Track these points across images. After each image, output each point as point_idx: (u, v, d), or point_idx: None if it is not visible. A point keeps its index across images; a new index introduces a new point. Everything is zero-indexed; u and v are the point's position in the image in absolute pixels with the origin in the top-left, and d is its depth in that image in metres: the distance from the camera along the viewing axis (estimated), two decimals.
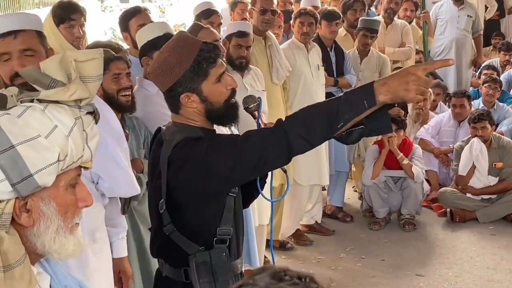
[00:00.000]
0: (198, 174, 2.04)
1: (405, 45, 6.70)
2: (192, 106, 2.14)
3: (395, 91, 1.89)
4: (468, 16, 8.06)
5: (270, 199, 2.35)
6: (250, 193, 2.31)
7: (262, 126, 2.25)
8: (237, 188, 2.17)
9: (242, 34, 4.31)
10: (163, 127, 2.23)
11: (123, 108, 3.08)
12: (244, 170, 2.05)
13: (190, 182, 2.07)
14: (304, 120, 2.00)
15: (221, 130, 2.37)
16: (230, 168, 2.03)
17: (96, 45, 2.64)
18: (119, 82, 3.03)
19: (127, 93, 3.06)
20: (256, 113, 2.29)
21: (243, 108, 2.28)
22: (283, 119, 2.07)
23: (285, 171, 2.32)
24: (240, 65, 4.32)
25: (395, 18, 6.78)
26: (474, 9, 8.34)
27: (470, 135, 5.88)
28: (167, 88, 2.14)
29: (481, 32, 8.28)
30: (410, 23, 7.15)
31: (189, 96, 2.13)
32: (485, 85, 6.99)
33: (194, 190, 2.07)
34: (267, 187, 2.33)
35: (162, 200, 2.11)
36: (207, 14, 4.98)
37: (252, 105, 2.29)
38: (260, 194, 2.28)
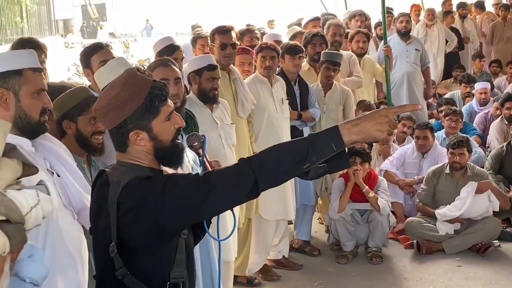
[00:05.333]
0: (154, 214, 1.98)
1: (353, 74, 6.78)
2: (140, 144, 2.09)
3: (368, 131, 1.99)
4: (416, 50, 8.27)
5: (217, 238, 2.31)
6: (195, 234, 2.26)
7: (207, 164, 2.23)
8: (187, 229, 2.13)
9: (213, 67, 4.32)
10: (107, 169, 2.17)
11: (94, 150, 3.07)
12: (210, 208, 2.03)
13: (144, 223, 2.00)
14: (272, 160, 2.00)
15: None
16: (196, 206, 2.00)
17: (48, 87, 2.62)
18: (96, 125, 3.02)
19: (100, 137, 3.05)
20: (200, 151, 2.27)
21: (187, 146, 2.25)
22: (247, 157, 2.05)
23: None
24: (214, 97, 4.31)
25: (341, 50, 6.86)
26: (420, 43, 8.61)
27: (439, 164, 5.98)
28: (116, 125, 2.08)
29: (429, 65, 8.52)
30: (364, 54, 7.25)
31: (139, 133, 2.08)
32: (447, 118, 7.12)
33: (148, 231, 2.01)
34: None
35: (113, 243, 2.03)
36: (170, 50, 4.99)
37: (196, 143, 2.27)
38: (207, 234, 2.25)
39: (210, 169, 2.24)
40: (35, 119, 2.42)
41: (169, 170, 2.23)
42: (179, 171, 2.34)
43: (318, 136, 2.02)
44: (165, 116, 2.10)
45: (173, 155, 2.14)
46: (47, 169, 2.45)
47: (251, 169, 1.98)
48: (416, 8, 10.82)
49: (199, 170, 3.57)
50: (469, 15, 11.63)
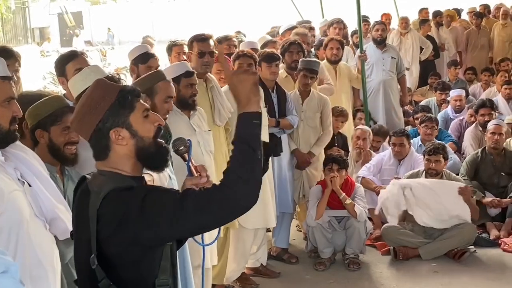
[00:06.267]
0: (133, 230, 1.97)
1: (323, 82, 6.82)
2: (122, 143, 2.07)
3: (244, 92, 2.08)
4: (392, 57, 8.37)
5: (201, 243, 2.32)
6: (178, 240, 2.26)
7: (193, 169, 2.22)
8: None
9: (190, 74, 4.34)
10: (88, 176, 2.15)
11: (67, 160, 3.04)
12: (187, 229, 2.02)
13: (123, 237, 1.99)
14: (240, 172, 1.99)
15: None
16: (172, 228, 1.98)
17: (26, 96, 2.61)
18: (68, 135, 3.00)
19: (73, 147, 3.02)
20: (186, 155, 2.26)
21: (173, 151, 2.25)
22: (220, 183, 2.02)
23: None
24: (193, 103, 4.33)
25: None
26: (396, 51, 8.70)
27: (415, 170, 6.04)
28: (94, 127, 2.07)
29: (404, 73, 8.62)
30: (338, 61, 7.29)
31: (119, 131, 2.07)
32: (422, 125, 7.19)
33: (128, 245, 2.00)
34: None
35: (93, 255, 2.01)
36: (144, 59, 4.97)
37: (181, 147, 2.26)
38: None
39: (195, 174, 2.24)
40: (5, 127, 2.39)
41: (149, 178, 2.22)
42: (156, 179, 2.32)
43: (239, 130, 2.06)
44: (141, 111, 2.11)
45: (157, 155, 2.13)
46: (18, 179, 2.42)
47: (229, 187, 1.97)
48: (387, 17, 10.95)
49: (175, 178, 3.58)
50: (453, 23, 11.77)
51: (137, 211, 1.96)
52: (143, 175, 2.18)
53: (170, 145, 2.29)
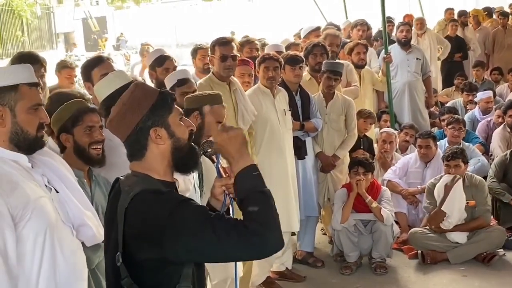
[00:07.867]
0: (157, 243, 1.97)
1: (350, 84, 6.77)
2: (160, 142, 2.11)
3: (239, 151, 2.11)
4: (417, 59, 8.31)
5: None
6: None
7: (221, 170, 2.23)
8: None
9: (182, 82, 4.37)
10: (122, 177, 2.18)
11: (93, 161, 3.05)
12: (212, 255, 2.01)
13: (147, 245, 2.00)
14: (265, 217, 2.00)
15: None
16: (198, 253, 1.99)
17: (58, 95, 2.61)
18: (91, 135, 3.02)
19: (98, 147, 3.03)
20: (214, 157, 2.27)
21: (201, 153, 2.26)
22: (247, 222, 2.00)
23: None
24: None
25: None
26: (421, 52, 8.59)
27: (439, 175, 5.91)
28: (134, 126, 2.09)
29: (430, 74, 8.55)
30: (364, 66, 7.24)
31: (158, 131, 2.10)
32: (449, 126, 7.09)
33: (151, 253, 2.00)
34: None
35: (119, 253, 2.04)
36: (160, 62, 5.03)
37: (210, 149, 2.27)
38: None
39: (224, 175, 2.25)
40: (32, 134, 2.39)
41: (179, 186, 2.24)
42: (181, 183, 2.32)
43: (244, 185, 2.06)
44: (178, 114, 2.16)
45: (190, 157, 2.17)
46: (45, 185, 2.42)
47: (260, 228, 1.96)
48: (409, 19, 10.87)
49: (198, 192, 3.58)
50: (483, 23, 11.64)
51: (164, 224, 1.96)
52: (175, 181, 2.19)
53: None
